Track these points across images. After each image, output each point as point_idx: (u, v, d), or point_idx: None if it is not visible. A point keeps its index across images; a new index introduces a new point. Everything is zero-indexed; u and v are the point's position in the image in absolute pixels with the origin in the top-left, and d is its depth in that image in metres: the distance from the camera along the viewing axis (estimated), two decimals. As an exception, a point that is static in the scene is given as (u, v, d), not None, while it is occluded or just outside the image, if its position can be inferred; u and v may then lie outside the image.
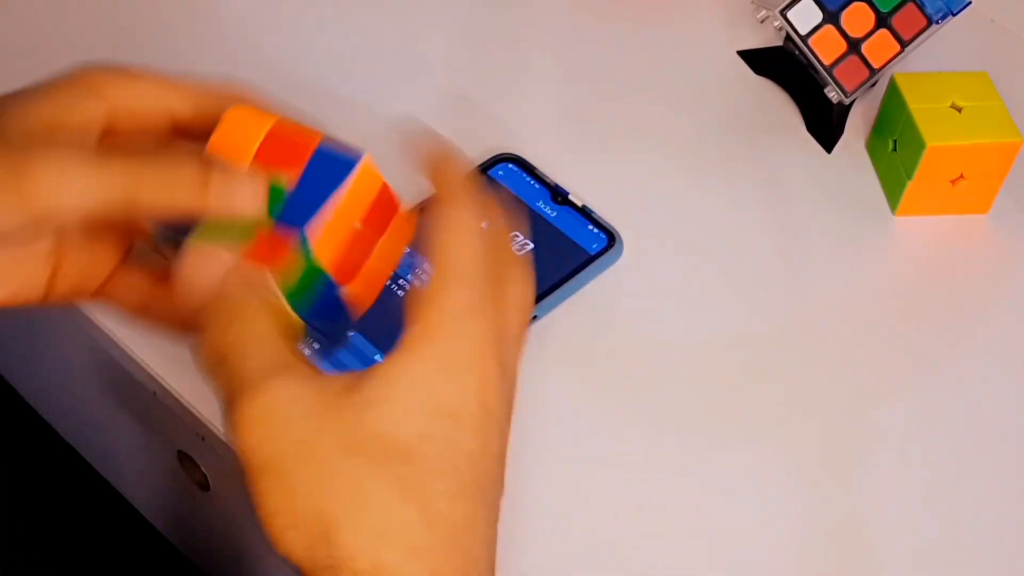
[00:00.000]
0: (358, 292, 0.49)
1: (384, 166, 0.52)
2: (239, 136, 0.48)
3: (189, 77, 0.51)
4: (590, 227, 0.69)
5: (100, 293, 0.51)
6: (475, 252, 0.46)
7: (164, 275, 0.50)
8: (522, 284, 0.49)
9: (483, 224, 0.47)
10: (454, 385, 0.44)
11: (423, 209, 0.49)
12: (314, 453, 0.43)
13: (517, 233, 0.68)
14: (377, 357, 0.63)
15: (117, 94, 0.48)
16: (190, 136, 0.50)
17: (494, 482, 0.45)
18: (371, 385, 0.44)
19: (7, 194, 0.44)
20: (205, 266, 0.47)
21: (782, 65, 0.79)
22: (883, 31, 0.75)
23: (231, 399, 0.44)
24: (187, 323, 0.47)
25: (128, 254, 0.51)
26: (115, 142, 0.49)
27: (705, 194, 0.74)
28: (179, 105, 0.49)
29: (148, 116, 0.49)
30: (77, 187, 0.44)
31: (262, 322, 0.45)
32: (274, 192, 0.47)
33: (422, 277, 0.46)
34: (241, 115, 0.49)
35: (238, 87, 0.50)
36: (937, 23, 0.75)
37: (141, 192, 0.45)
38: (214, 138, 0.49)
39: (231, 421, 0.44)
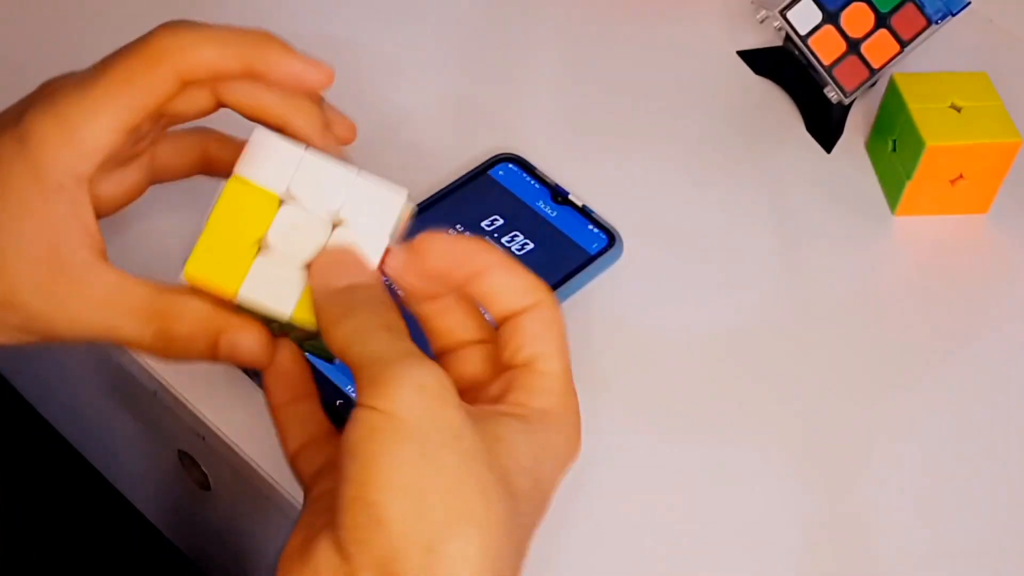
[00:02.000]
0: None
1: (383, 163, 0.52)
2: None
3: (108, 69, 0.50)
4: (590, 227, 0.69)
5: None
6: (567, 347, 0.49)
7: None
8: None
9: None
10: (553, 465, 0.47)
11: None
12: (462, 442, 0.43)
13: (517, 233, 0.69)
14: None
15: (75, 167, 0.49)
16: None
17: (526, 550, 0.47)
18: (500, 421, 0.46)
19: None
20: (359, 260, 0.49)
21: (782, 65, 0.79)
22: (883, 31, 0.75)
23: (392, 360, 0.44)
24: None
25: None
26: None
27: (705, 194, 0.74)
28: (127, 120, 0.50)
29: (115, 150, 0.50)
30: (93, 339, 0.50)
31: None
32: None
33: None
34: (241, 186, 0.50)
35: (174, 37, 0.50)
36: (936, 23, 0.75)
37: (159, 349, 0.50)
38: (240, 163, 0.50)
39: (387, 373, 0.44)
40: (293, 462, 0.51)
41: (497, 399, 0.48)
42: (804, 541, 0.61)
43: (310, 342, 0.51)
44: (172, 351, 0.50)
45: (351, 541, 0.42)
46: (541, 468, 0.46)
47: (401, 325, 0.47)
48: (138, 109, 0.50)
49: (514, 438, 0.46)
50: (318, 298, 0.48)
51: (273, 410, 0.51)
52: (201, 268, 0.49)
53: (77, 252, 0.49)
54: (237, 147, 0.52)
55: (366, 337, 0.45)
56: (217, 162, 0.56)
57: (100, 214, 0.52)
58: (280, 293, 0.49)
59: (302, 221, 0.49)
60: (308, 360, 0.52)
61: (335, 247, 0.48)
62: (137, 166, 0.55)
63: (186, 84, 0.50)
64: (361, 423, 0.43)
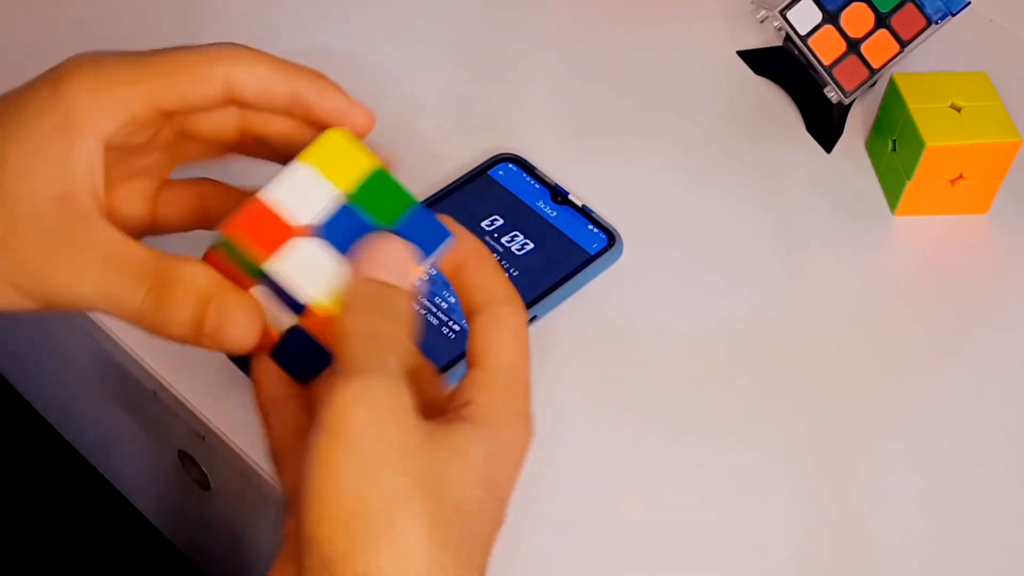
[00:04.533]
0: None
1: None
2: (339, 164, 0.49)
3: (161, 54, 0.50)
4: (590, 227, 0.70)
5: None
6: (527, 362, 0.49)
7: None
8: None
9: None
10: (508, 467, 0.47)
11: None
12: (409, 460, 0.43)
13: (517, 233, 0.69)
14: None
15: (102, 123, 0.49)
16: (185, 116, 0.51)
17: (484, 566, 0.46)
18: (458, 431, 0.46)
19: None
20: (405, 266, 0.48)
21: (782, 65, 0.79)
22: (882, 31, 0.75)
23: (358, 368, 0.44)
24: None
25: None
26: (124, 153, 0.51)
27: (705, 194, 0.74)
28: (162, 100, 0.50)
29: (139, 123, 0.50)
30: (86, 300, 0.48)
31: (412, 340, 0.47)
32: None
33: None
34: (340, 142, 0.50)
35: (231, 50, 0.50)
36: (936, 23, 0.75)
37: (143, 317, 0.48)
38: (311, 151, 0.49)
39: (342, 384, 0.43)
40: (274, 460, 0.50)
41: (455, 399, 0.48)
42: (804, 541, 0.61)
43: None
44: (160, 314, 0.48)
45: None
46: (496, 473, 0.46)
47: (399, 339, 0.46)
48: (178, 94, 0.50)
49: (471, 448, 0.45)
50: (353, 281, 0.47)
51: (259, 404, 0.51)
52: (240, 230, 0.48)
53: (85, 204, 0.48)
54: (236, 197, 0.52)
55: (358, 340, 0.45)
56: (215, 212, 0.54)
57: None
58: (313, 278, 0.48)
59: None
60: None
61: (393, 239, 0.48)
62: (142, 191, 0.54)
63: (230, 97, 0.50)
64: (313, 452, 0.43)
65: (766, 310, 0.69)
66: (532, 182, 0.71)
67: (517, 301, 0.50)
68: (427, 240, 0.49)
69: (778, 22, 0.75)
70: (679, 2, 0.83)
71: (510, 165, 0.72)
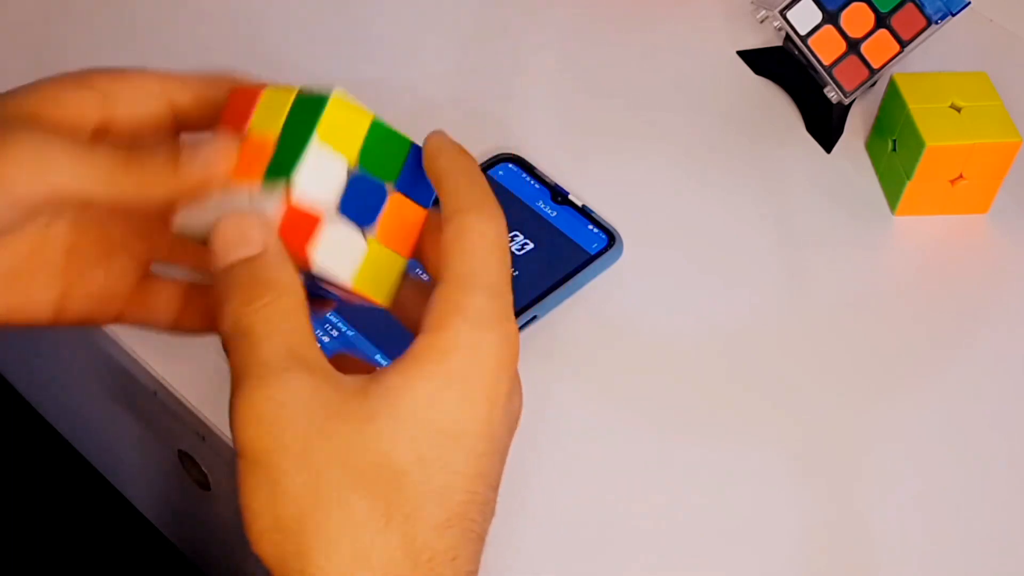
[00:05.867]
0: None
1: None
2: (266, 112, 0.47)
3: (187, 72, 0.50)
4: (590, 227, 0.70)
5: (122, 316, 0.51)
6: (501, 261, 0.44)
7: (191, 290, 0.50)
8: None
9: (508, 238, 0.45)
10: (461, 405, 0.42)
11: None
12: (309, 458, 0.41)
13: (517, 233, 0.69)
14: (377, 357, 0.63)
15: (111, 86, 0.48)
16: (193, 127, 0.50)
17: (484, 510, 0.43)
18: (377, 395, 0.42)
19: None
20: (246, 232, 0.44)
21: (782, 65, 0.79)
22: (882, 31, 0.75)
23: (240, 380, 0.42)
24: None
25: (146, 274, 0.51)
26: (113, 140, 0.49)
27: (705, 194, 0.74)
28: (179, 95, 0.49)
29: (147, 109, 0.49)
30: (53, 172, 0.44)
31: (293, 299, 0.43)
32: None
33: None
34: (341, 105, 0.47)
35: (238, 75, 0.50)
36: (936, 23, 0.75)
37: (119, 183, 0.45)
38: (225, 113, 0.47)
39: (234, 405, 0.42)
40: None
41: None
42: (804, 541, 0.61)
43: None
44: (133, 169, 0.45)
45: None
46: (443, 420, 0.42)
47: (273, 313, 0.43)
48: (119, 101, 0.48)
49: (388, 414, 0.42)
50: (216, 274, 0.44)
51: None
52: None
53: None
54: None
55: (237, 333, 0.43)
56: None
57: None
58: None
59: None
60: None
61: (235, 215, 0.44)
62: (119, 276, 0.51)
63: (170, 105, 0.49)
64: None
65: (766, 310, 0.69)
66: (532, 182, 0.71)
67: (486, 209, 0.44)
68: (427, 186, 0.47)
69: (778, 22, 0.75)
70: (679, 2, 0.83)
71: (510, 165, 0.72)
